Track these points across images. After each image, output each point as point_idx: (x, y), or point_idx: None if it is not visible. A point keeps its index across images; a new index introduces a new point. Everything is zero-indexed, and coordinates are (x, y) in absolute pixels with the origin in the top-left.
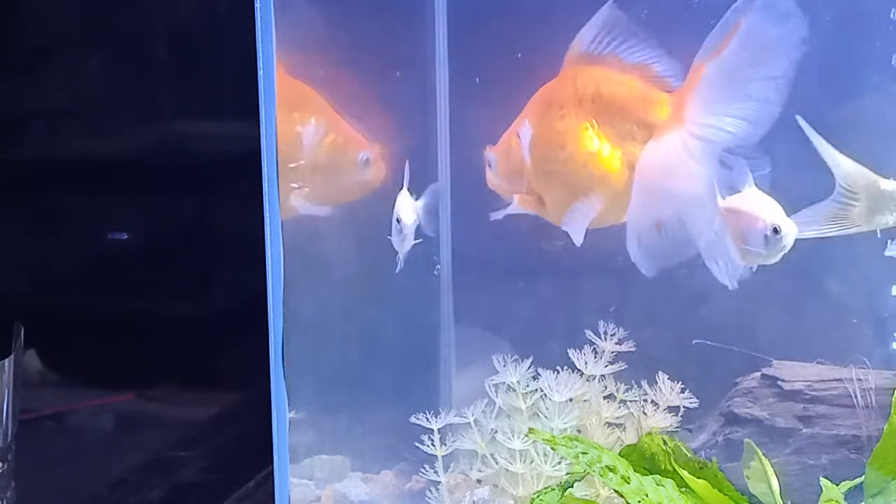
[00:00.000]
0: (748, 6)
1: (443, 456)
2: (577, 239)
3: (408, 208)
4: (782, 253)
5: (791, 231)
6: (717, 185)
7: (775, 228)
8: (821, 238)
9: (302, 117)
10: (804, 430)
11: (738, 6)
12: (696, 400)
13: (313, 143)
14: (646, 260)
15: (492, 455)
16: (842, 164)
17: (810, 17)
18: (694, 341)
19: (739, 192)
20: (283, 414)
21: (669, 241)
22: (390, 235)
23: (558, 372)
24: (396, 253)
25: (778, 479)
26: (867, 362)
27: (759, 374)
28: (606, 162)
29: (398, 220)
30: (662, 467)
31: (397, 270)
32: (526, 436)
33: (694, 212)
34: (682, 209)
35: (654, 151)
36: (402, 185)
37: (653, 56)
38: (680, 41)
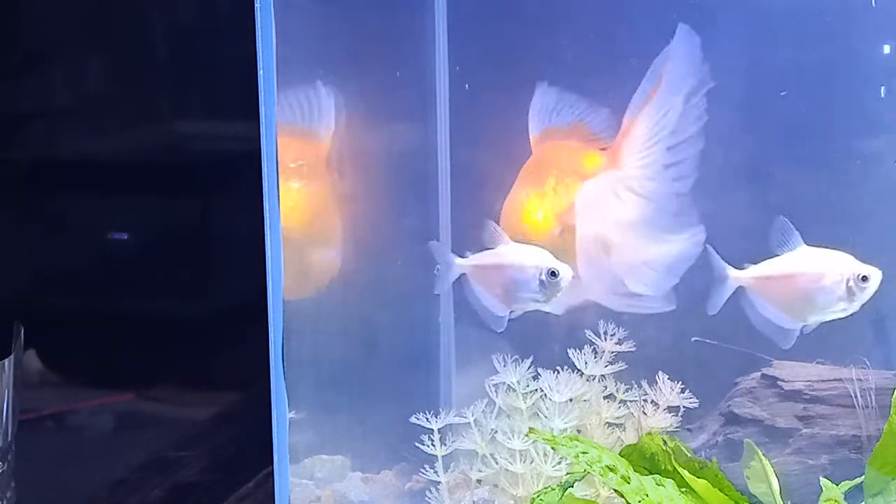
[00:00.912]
0: (665, 61)
1: (443, 456)
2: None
3: (552, 257)
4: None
5: (875, 275)
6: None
7: (864, 276)
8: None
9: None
10: (804, 430)
11: (658, 62)
12: (696, 400)
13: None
14: (596, 284)
15: (492, 455)
16: None
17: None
18: (693, 339)
19: (782, 253)
20: (283, 414)
21: (618, 264)
22: (525, 294)
23: (558, 372)
24: (509, 312)
25: (778, 479)
26: (867, 362)
27: (759, 374)
28: (535, 221)
29: (553, 274)
30: (662, 467)
31: (502, 330)
32: (526, 436)
33: (635, 237)
34: (623, 233)
35: (593, 185)
36: (501, 242)
37: (588, 116)
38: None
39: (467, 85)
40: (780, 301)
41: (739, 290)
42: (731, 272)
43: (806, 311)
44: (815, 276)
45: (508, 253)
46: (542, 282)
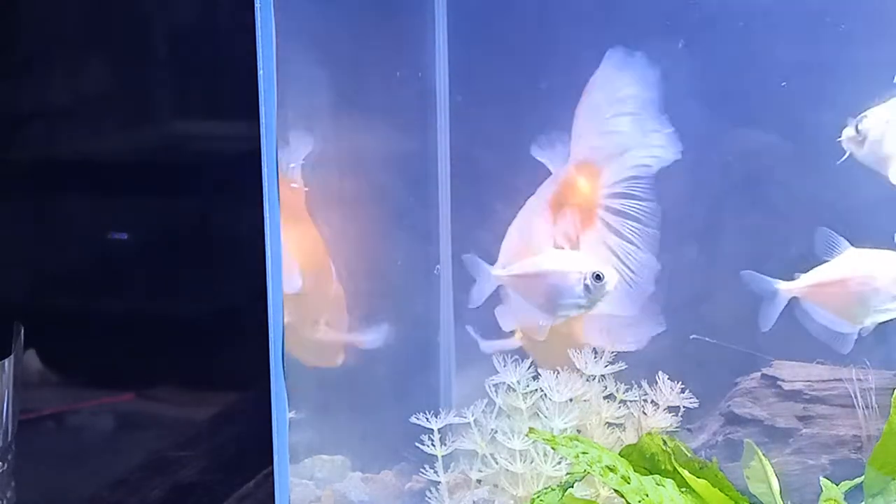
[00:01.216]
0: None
1: (443, 456)
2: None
3: (594, 260)
4: None
5: None
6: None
7: None
8: None
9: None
10: (804, 430)
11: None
12: (696, 400)
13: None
14: None
15: (492, 455)
16: None
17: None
18: (692, 336)
19: (831, 258)
20: (283, 414)
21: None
22: (569, 300)
23: (558, 372)
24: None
25: (778, 479)
26: (867, 362)
27: (759, 374)
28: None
29: (598, 278)
30: (662, 467)
31: (543, 338)
32: (526, 436)
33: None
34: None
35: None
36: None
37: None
38: None
39: (460, 97)
40: (834, 307)
41: (792, 301)
42: (781, 285)
43: (861, 314)
44: (866, 279)
45: (548, 260)
46: (586, 286)
